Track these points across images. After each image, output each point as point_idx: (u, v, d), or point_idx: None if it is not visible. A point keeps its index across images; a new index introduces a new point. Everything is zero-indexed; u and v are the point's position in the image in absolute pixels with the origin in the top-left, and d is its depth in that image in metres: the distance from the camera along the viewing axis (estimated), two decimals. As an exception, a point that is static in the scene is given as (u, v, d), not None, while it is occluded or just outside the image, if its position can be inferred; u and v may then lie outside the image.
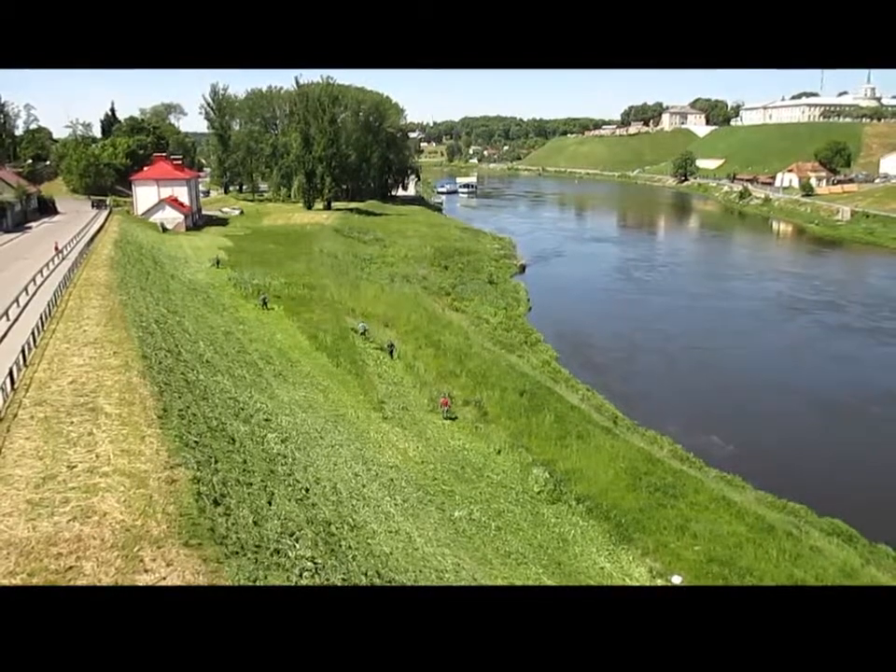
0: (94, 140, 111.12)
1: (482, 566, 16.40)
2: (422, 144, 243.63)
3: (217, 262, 52.27)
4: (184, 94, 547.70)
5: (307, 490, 16.08)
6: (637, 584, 18.19)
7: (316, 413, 24.75)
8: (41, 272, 33.14)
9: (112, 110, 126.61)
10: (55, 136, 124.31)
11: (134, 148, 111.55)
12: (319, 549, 12.19)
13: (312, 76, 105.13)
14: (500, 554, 17.63)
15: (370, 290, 48.25)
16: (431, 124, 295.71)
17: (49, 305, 24.98)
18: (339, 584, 10.92)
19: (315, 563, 11.12)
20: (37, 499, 10.44)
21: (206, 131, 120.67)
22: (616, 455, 25.35)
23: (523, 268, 67.79)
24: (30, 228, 64.89)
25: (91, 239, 50.76)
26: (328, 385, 28.73)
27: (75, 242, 48.37)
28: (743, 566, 18.86)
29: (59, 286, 28.99)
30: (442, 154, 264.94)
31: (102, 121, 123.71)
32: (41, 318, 22.76)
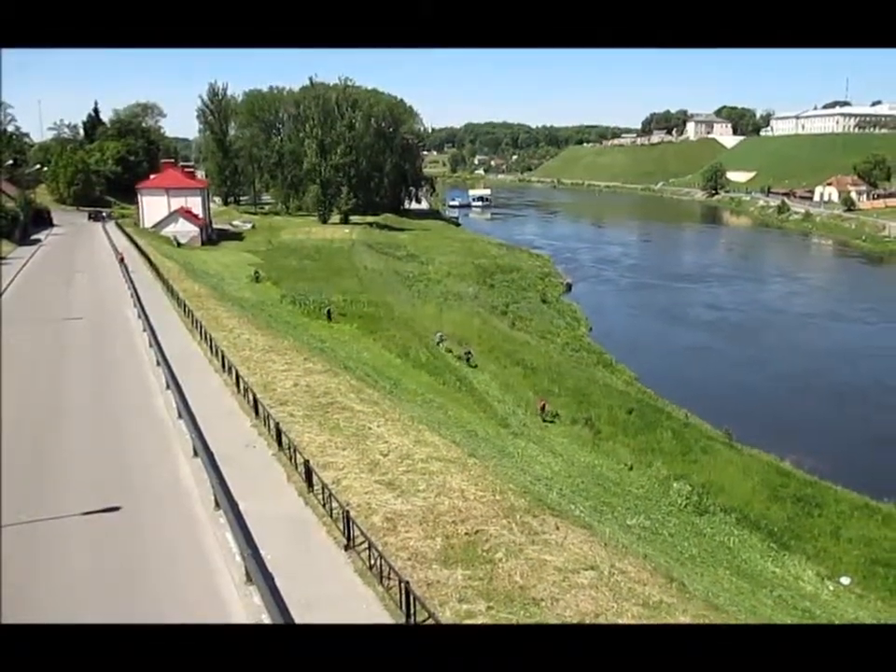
0: (81, 144, 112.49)
1: (681, 566, 19.32)
2: (422, 152, 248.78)
3: (258, 277, 55.14)
4: (155, 94, 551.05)
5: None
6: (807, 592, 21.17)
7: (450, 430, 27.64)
8: (130, 283, 35.81)
9: (95, 110, 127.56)
10: (30, 140, 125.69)
11: (124, 154, 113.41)
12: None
13: (324, 75, 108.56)
14: (686, 558, 20.55)
15: (429, 308, 51.47)
16: (430, 130, 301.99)
17: (178, 314, 27.82)
18: None
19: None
20: (386, 480, 13.17)
21: (189, 136, 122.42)
22: (747, 468, 28.60)
23: (569, 286, 71.63)
24: (39, 240, 67.35)
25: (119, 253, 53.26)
26: (442, 402, 31.61)
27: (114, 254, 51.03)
28: (906, 568, 22.01)
29: (164, 295, 31.84)
30: (444, 164, 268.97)
31: (84, 123, 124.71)
32: (187, 326, 25.59)
